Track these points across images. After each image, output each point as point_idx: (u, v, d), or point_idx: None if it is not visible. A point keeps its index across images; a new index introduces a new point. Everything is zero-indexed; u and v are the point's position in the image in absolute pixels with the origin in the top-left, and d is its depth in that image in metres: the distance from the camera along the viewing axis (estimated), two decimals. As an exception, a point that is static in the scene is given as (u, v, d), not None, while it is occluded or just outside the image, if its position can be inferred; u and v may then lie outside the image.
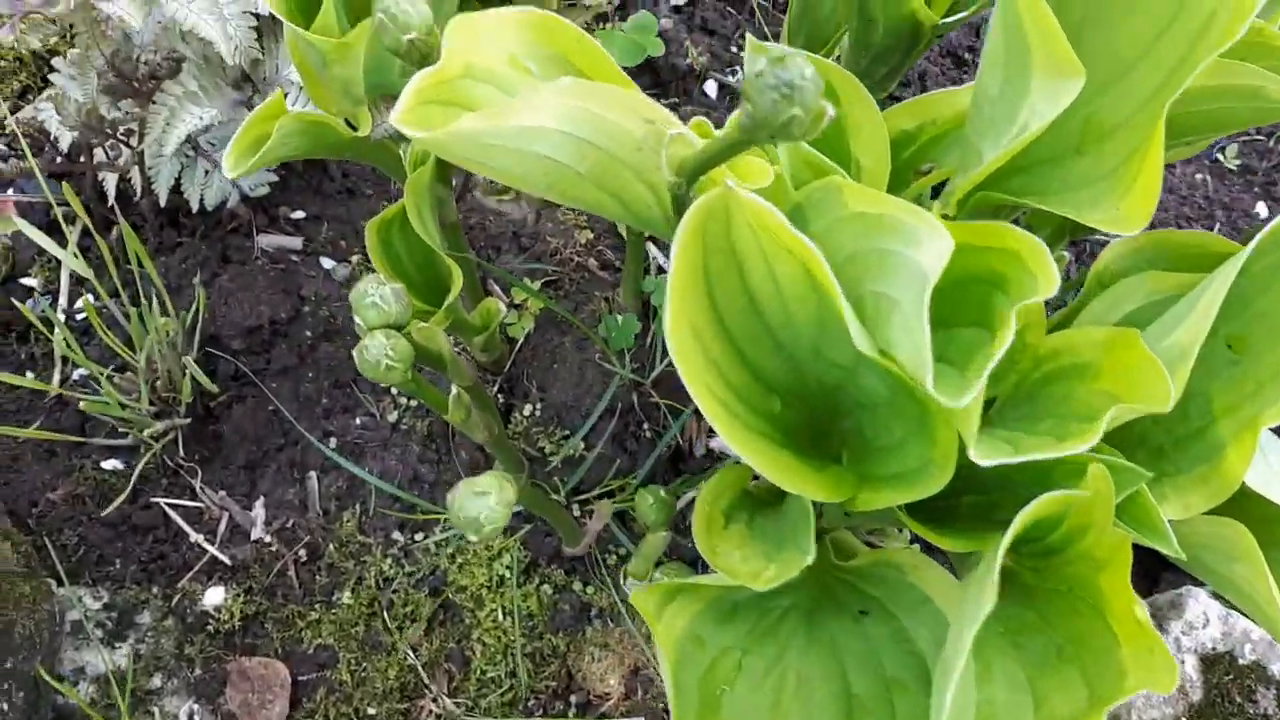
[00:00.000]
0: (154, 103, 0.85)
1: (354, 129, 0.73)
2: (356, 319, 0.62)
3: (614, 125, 0.55)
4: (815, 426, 0.66)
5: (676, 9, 1.16)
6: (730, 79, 1.12)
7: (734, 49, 1.15)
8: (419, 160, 0.74)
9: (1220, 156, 1.14)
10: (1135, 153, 0.60)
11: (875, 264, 0.55)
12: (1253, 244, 0.58)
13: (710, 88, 1.13)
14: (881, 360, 0.51)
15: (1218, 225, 1.10)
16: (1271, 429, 0.65)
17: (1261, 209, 1.12)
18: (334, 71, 0.74)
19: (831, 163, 0.63)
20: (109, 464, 0.96)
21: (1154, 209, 0.59)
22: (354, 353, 0.61)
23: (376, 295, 0.61)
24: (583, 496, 0.93)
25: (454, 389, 0.70)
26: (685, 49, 1.12)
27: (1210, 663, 0.81)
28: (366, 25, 0.69)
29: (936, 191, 0.79)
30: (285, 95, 0.88)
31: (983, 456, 0.49)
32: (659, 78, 1.12)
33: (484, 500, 0.55)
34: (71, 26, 0.79)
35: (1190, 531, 0.63)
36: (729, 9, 1.17)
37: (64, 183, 0.82)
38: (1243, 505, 0.63)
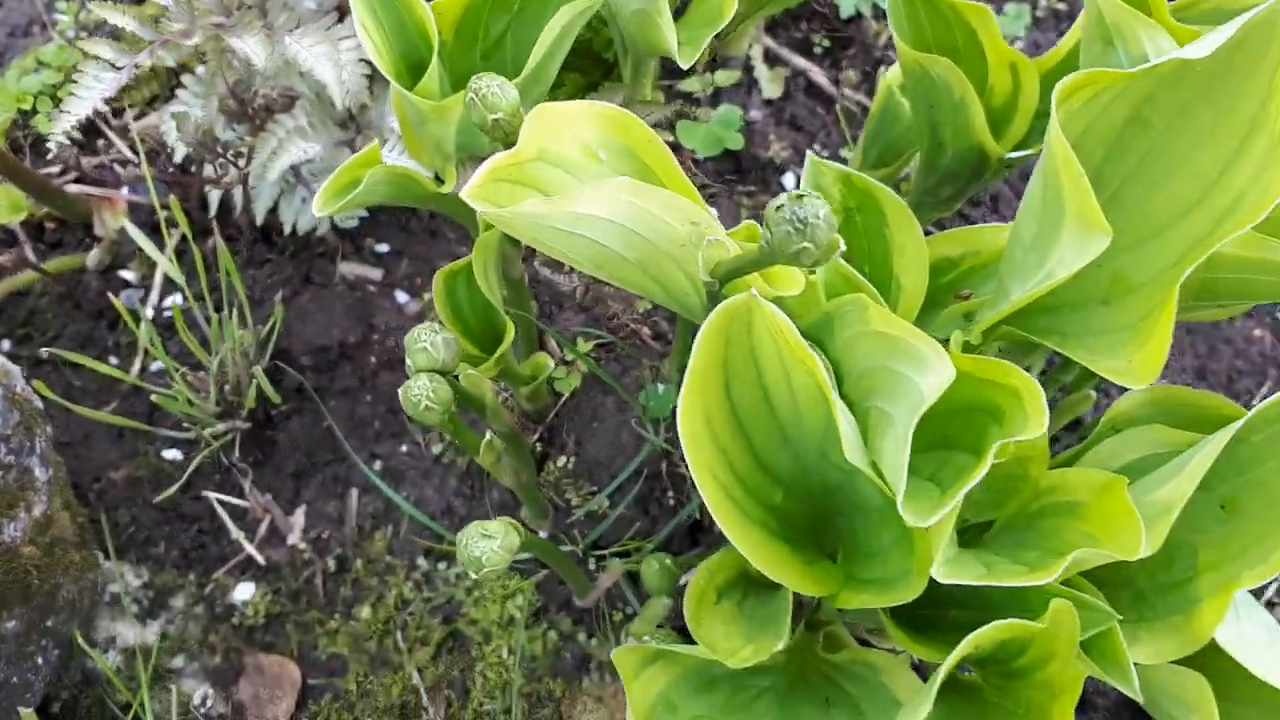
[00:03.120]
0: (265, 131, 0.92)
1: (440, 182, 0.79)
2: (407, 360, 0.68)
3: (661, 222, 0.60)
4: (815, 521, 0.69)
5: (769, 102, 1.21)
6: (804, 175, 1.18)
7: (816, 145, 1.20)
8: (489, 223, 0.79)
9: None
10: (1154, 311, 0.63)
11: (883, 381, 0.60)
12: (1247, 417, 0.61)
13: (788, 180, 1.18)
14: (869, 472, 0.55)
15: (1269, 383, 1.12)
16: (1259, 598, 0.68)
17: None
18: (429, 129, 0.80)
19: (863, 278, 0.67)
20: (169, 454, 1.03)
21: (1161, 367, 0.62)
22: (399, 390, 0.66)
23: (428, 342, 0.67)
24: (600, 551, 0.97)
25: (488, 435, 0.75)
26: (769, 142, 1.17)
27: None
28: (463, 95, 0.75)
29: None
30: (385, 142, 0.96)
31: (946, 575, 0.53)
32: (740, 165, 1.17)
33: (489, 543, 0.60)
34: (203, 51, 0.86)
35: (1157, 677, 0.66)
36: (818, 109, 1.22)
37: (171, 191, 0.90)
38: (1213, 661, 0.65)
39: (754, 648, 0.63)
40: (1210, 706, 0.61)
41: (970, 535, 0.72)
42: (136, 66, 0.82)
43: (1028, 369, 0.92)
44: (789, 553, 0.63)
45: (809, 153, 0.73)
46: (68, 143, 0.87)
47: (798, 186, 1.17)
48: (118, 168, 1.09)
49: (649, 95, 1.04)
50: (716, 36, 1.17)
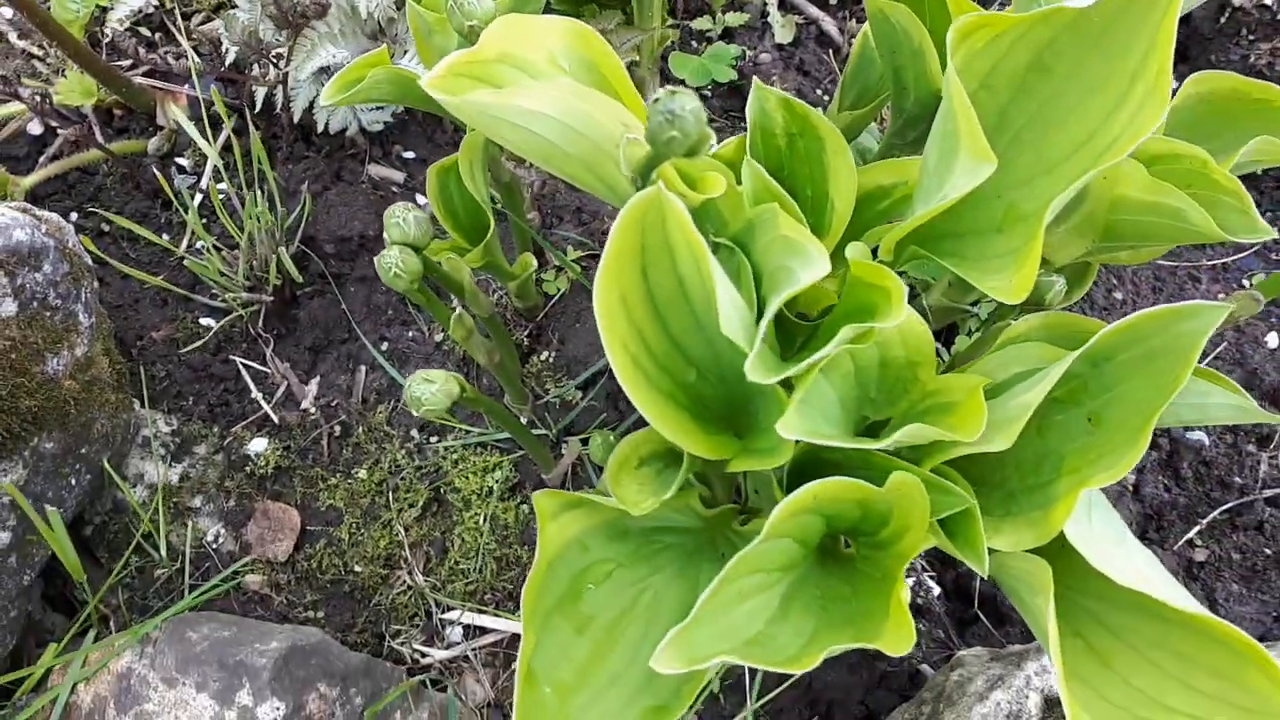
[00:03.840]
0: (302, 35, 1.03)
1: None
2: (385, 234, 0.78)
3: (599, 123, 0.69)
4: (729, 406, 0.79)
5: (780, 46, 1.29)
6: (808, 117, 1.25)
7: (819, 91, 1.27)
8: (476, 123, 0.89)
9: (1247, 283, 1.21)
10: (1031, 238, 0.71)
11: (782, 277, 0.69)
12: (1098, 334, 0.69)
13: (789, 121, 1.25)
14: (745, 349, 0.64)
15: (1225, 344, 1.17)
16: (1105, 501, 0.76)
17: (1273, 339, 1.18)
18: (435, 40, 0.90)
19: (779, 188, 0.75)
20: (205, 320, 1.15)
21: (1030, 287, 0.69)
22: (375, 258, 0.77)
23: (401, 218, 0.77)
24: (572, 436, 1.07)
25: (457, 309, 0.86)
26: (774, 83, 1.25)
27: (1051, 704, 0.90)
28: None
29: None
30: (406, 54, 1.06)
31: (784, 429, 0.62)
32: (743, 102, 1.25)
33: (429, 386, 0.70)
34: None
35: (1013, 564, 0.74)
36: (825, 55, 1.29)
37: (214, 87, 1.01)
38: (1068, 556, 0.73)
39: (654, 500, 0.72)
40: (1049, 589, 0.69)
41: (872, 430, 0.81)
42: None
43: (975, 302, 1.00)
44: (692, 422, 0.72)
45: (754, 79, 0.81)
46: (122, 30, 0.98)
47: (799, 126, 1.25)
48: (180, 63, 1.21)
49: (655, 25, 1.13)
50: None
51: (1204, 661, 0.69)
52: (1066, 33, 0.70)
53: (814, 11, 1.29)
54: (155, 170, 1.20)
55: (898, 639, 0.63)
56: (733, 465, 0.72)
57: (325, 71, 1.07)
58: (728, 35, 1.27)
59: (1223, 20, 1.29)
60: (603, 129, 0.69)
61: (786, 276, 0.67)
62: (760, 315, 0.65)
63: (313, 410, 1.11)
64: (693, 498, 0.82)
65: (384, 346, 1.14)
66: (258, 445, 1.10)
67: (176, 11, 1.26)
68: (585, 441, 1.06)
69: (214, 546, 1.08)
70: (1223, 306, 0.68)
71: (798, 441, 0.68)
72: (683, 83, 1.21)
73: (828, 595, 0.72)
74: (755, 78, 1.25)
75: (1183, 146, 0.79)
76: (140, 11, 0.92)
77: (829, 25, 1.29)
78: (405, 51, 1.06)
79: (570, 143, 0.70)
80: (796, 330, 0.82)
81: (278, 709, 0.88)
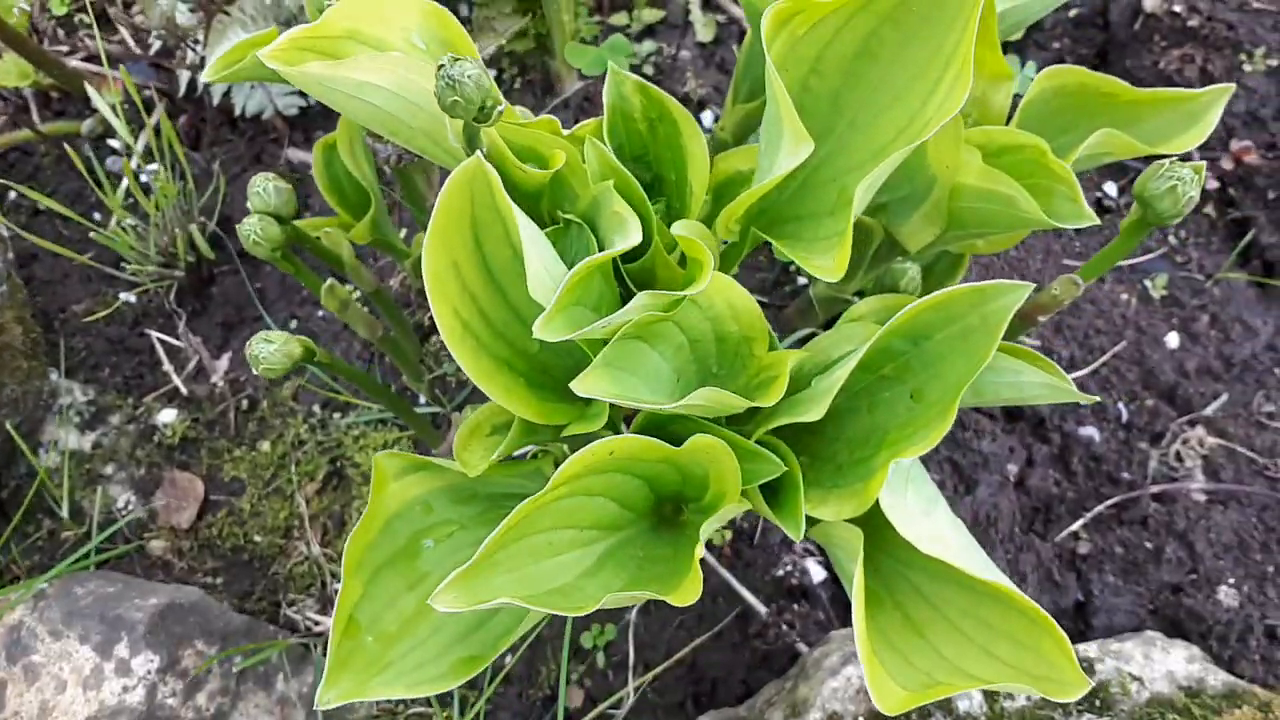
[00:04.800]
0: (216, 20, 1.07)
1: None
2: (248, 203, 0.82)
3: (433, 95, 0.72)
4: (576, 371, 0.81)
5: (701, 45, 1.32)
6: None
7: (737, 89, 1.30)
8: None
9: (1149, 284, 1.23)
10: (847, 219, 0.73)
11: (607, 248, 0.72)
12: (904, 311, 0.71)
13: (706, 116, 1.28)
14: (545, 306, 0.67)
15: (1125, 343, 1.18)
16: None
17: (1172, 339, 1.19)
18: (325, 22, 0.94)
19: (621, 167, 0.78)
20: (125, 295, 1.19)
21: (845, 265, 0.72)
22: (237, 226, 0.80)
23: (261, 188, 0.80)
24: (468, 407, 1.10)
25: (328, 281, 0.89)
26: (691, 79, 1.28)
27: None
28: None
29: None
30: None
31: (581, 389, 0.64)
32: (663, 98, 1.28)
33: (268, 346, 0.73)
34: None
35: (836, 533, 0.76)
36: (746, 54, 1.32)
37: (136, 71, 1.05)
38: (888, 526, 0.75)
39: (485, 463, 0.75)
40: (859, 554, 0.71)
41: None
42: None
43: (859, 293, 1.03)
44: (526, 390, 0.75)
45: (610, 63, 0.84)
46: (32, 19, 1.03)
47: (715, 122, 1.28)
48: (117, 49, 1.25)
49: (567, 21, 1.16)
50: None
51: (1004, 630, 0.71)
52: (888, 23, 0.73)
53: (736, 11, 1.32)
54: (87, 151, 1.25)
55: (686, 592, 0.65)
56: (568, 430, 0.75)
57: (240, 57, 1.11)
58: (649, 32, 1.30)
59: (1136, 26, 1.31)
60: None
61: (609, 248, 0.70)
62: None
63: (221, 385, 1.15)
64: (546, 464, 0.84)
65: (293, 325, 1.17)
66: (167, 416, 1.14)
67: (118, -1, 1.31)
68: (476, 418, 1.08)
69: (123, 513, 1.11)
70: (1024, 286, 0.70)
71: (614, 406, 0.71)
72: (588, 97, 1.24)
73: (650, 556, 0.75)
74: (669, 75, 1.28)
75: (1025, 137, 0.81)
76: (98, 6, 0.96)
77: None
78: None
79: (409, 114, 0.73)
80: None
81: (152, 661, 0.91)
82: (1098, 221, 0.74)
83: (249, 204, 0.81)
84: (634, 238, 0.68)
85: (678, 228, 0.75)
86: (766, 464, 0.72)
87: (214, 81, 0.87)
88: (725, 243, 0.85)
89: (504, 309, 0.76)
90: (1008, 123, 0.90)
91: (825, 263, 0.75)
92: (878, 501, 0.72)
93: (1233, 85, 0.83)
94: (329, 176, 0.96)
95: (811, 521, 0.75)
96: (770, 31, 0.71)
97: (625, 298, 0.82)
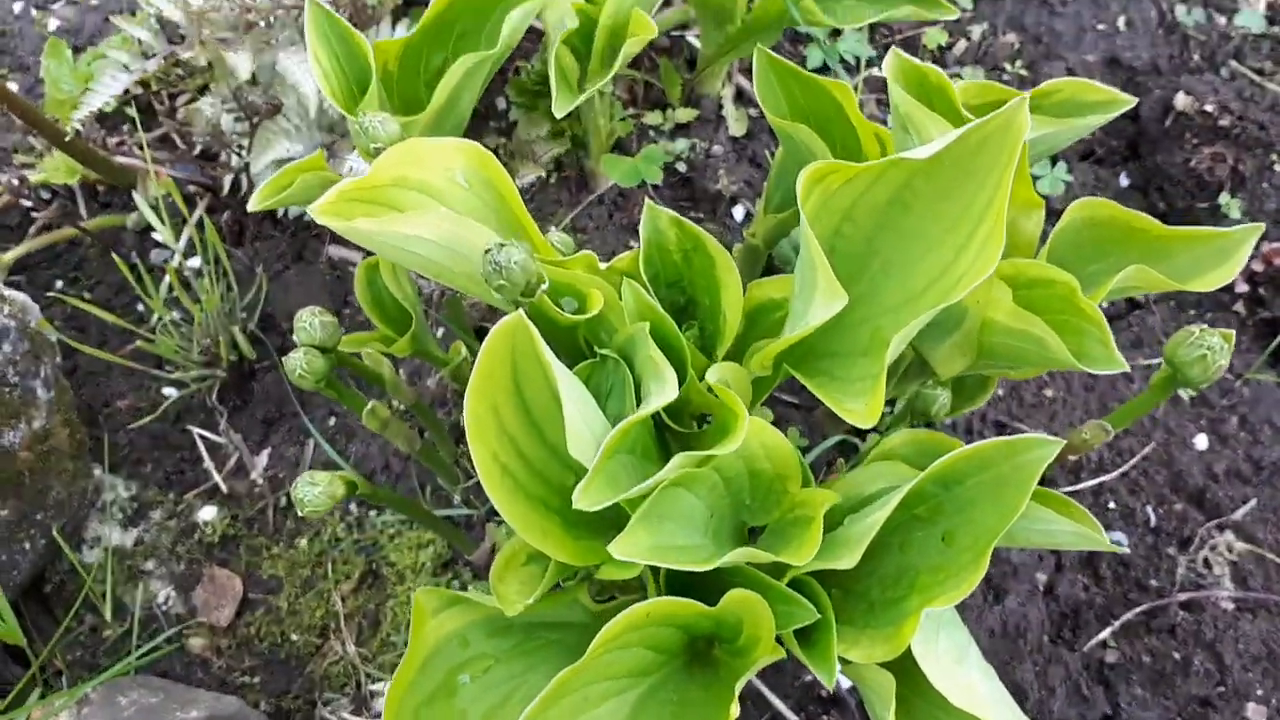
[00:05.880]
0: (260, 129, 1.10)
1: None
2: (294, 335, 0.84)
3: (478, 249, 0.74)
4: (612, 507, 0.83)
5: (734, 139, 1.34)
6: (757, 208, 1.30)
7: (767, 184, 1.32)
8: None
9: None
10: (881, 367, 0.75)
11: (646, 394, 0.73)
12: (939, 461, 0.73)
13: (738, 211, 1.30)
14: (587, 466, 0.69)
15: (1154, 444, 1.19)
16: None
17: (1201, 441, 1.20)
18: (363, 142, 0.96)
19: (659, 309, 0.80)
20: (168, 391, 1.22)
21: (879, 414, 0.73)
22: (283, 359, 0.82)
23: (308, 323, 0.83)
24: (500, 518, 1.12)
25: (370, 404, 0.91)
26: (725, 175, 1.30)
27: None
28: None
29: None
30: (354, 149, 1.12)
31: (619, 552, 0.66)
32: (694, 194, 1.30)
33: (313, 489, 0.75)
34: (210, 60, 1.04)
35: (868, 675, 0.77)
36: (775, 149, 1.34)
37: (202, 171, 1.08)
38: (917, 668, 0.76)
39: (523, 603, 0.77)
40: (891, 703, 0.72)
41: (755, 537, 0.85)
42: (144, 71, 1.00)
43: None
44: (562, 528, 0.77)
45: (647, 200, 0.86)
46: (81, 130, 1.06)
47: (746, 218, 1.30)
48: (154, 142, 1.28)
49: (603, 125, 1.19)
50: (690, 75, 1.31)
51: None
52: (921, 175, 0.74)
53: (768, 105, 1.34)
54: (131, 243, 1.28)
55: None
56: (601, 573, 0.77)
57: (283, 162, 1.13)
58: (682, 129, 1.32)
59: (1168, 123, 1.32)
60: (480, 253, 0.74)
61: (646, 401, 0.72)
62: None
63: (261, 482, 1.17)
64: (581, 592, 0.86)
65: (331, 421, 1.19)
66: (208, 513, 1.16)
67: (164, 92, 1.34)
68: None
69: (163, 609, 1.13)
70: (1056, 442, 0.71)
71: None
72: (622, 192, 1.26)
73: (684, 699, 0.76)
74: (702, 172, 1.30)
75: (1055, 272, 0.82)
76: (123, 97, 0.99)
77: (780, 120, 1.33)
78: (353, 148, 1.13)
79: (455, 263, 0.75)
80: (688, 435, 0.86)
81: (192, 775, 0.93)
82: (1128, 368, 0.75)
83: (295, 338, 0.84)
84: (670, 393, 0.69)
85: (713, 375, 0.77)
86: (800, 610, 0.73)
87: (262, 209, 0.89)
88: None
89: (541, 447, 0.78)
90: (1038, 247, 0.91)
91: (858, 407, 0.76)
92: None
93: (1263, 225, 0.83)
94: (371, 295, 0.98)
95: (843, 660, 0.76)
96: (805, 189, 0.73)
97: (659, 428, 0.84)
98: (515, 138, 1.14)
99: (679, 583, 0.78)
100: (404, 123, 0.89)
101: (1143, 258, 0.87)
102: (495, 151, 1.23)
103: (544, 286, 0.62)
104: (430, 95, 1.00)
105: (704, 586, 0.77)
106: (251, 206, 0.88)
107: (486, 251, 0.60)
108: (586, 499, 0.64)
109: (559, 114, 0.92)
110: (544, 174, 1.11)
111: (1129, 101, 0.92)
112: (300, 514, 0.75)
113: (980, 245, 0.71)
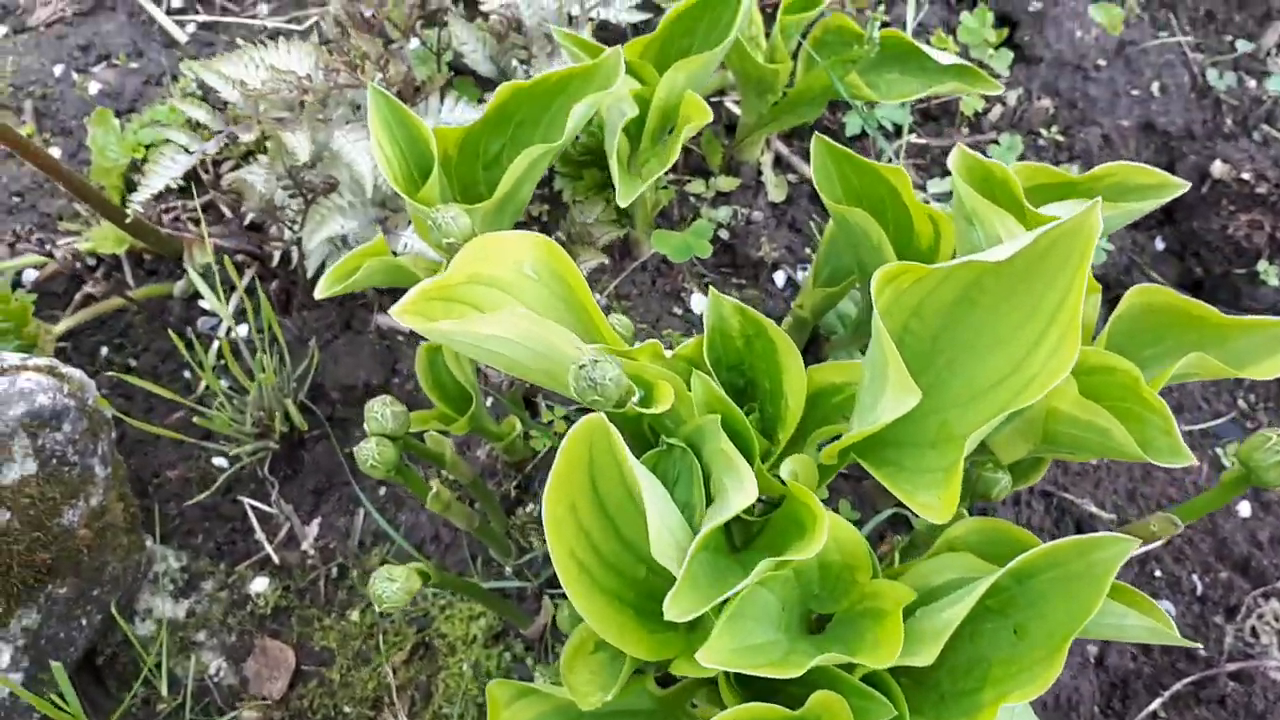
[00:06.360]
0: (314, 205, 1.11)
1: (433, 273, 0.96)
2: (365, 425, 0.85)
3: (555, 346, 0.75)
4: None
5: (773, 205, 1.35)
6: (798, 274, 1.31)
7: (808, 249, 1.33)
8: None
9: (1220, 450, 1.24)
10: (957, 461, 0.75)
11: (718, 494, 0.74)
12: (1016, 561, 0.73)
13: (779, 277, 1.31)
14: (674, 571, 0.69)
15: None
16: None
17: (1244, 508, 1.21)
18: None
19: (728, 399, 0.81)
20: (218, 461, 1.23)
21: (954, 510, 0.74)
22: (354, 448, 0.83)
23: (379, 413, 0.84)
24: (554, 590, 1.13)
25: (434, 487, 0.92)
26: (766, 241, 1.31)
27: None
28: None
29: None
30: (409, 225, 1.13)
31: (706, 659, 0.66)
32: (736, 260, 1.32)
33: (390, 585, 0.76)
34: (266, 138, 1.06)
35: (941, 768, 0.78)
36: (815, 214, 1.35)
37: (249, 240, 1.09)
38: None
39: (599, 697, 0.77)
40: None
41: (820, 624, 0.85)
42: (204, 154, 1.02)
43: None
44: (635, 621, 0.77)
45: (711, 288, 0.87)
46: (141, 210, 1.07)
47: (788, 284, 1.31)
48: (197, 216, 1.30)
49: (649, 197, 1.20)
50: (729, 141, 1.32)
51: None
52: (990, 274, 0.75)
53: (807, 170, 1.35)
54: (178, 311, 1.29)
55: None
56: (674, 668, 0.77)
57: (337, 239, 1.15)
58: (723, 196, 1.33)
59: (1204, 190, 1.33)
60: (558, 351, 0.75)
61: (723, 494, 0.73)
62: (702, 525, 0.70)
63: (312, 552, 1.18)
64: (648, 681, 0.86)
65: (382, 491, 1.20)
66: (260, 584, 1.17)
67: (208, 160, 1.35)
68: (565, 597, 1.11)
69: (215, 680, 1.14)
70: (1130, 540, 0.72)
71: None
72: (665, 259, 1.27)
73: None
74: (744, 239, 1.31)
75: (1117, 360, 0.83)
76: (186, 172, 1.00)
77: (820, 186, 1.35)
78: (409, 224, 1.14)
79: (531, 359, 0.76)
80: (750, 523, 0.87)
81: None
82: (1195, 461, 0.76)
83: (365, 426, 0.84)
84: (750, 493, 0.70)
85: (786, 468, 0.78)
86: (878, 706, 0.74)
87: (330, 292, 0.90)
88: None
89: (615, 541, 0.79)
90: (1096, 332, 0.92)
91: (930, 500, 0.77)
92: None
93: (1317, 322, 0.85)
94: (432, 376, 0.99)
95: (915, 753, 0.77)
96: (879, 287, 0.74)
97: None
98: (571, 220, 1.15)
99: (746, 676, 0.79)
100: (468, 209, 0.91)
101: (1199, 343, 0.88)
102: (546, 227, 1.24)
103: (635, 399, 0.63)
104: (486, 178, 1.02)
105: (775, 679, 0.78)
106: (319, 294, 0.90)
107: (581, 366, 0.61)
108: (677, 608, 0.65)
109: (623, 204, 0.93)
110: (605, 260, 1.13)
111: (1181, 186, 0.93)
112: (378, 609, 0.76)
113: (1054, 346, 0.72)
